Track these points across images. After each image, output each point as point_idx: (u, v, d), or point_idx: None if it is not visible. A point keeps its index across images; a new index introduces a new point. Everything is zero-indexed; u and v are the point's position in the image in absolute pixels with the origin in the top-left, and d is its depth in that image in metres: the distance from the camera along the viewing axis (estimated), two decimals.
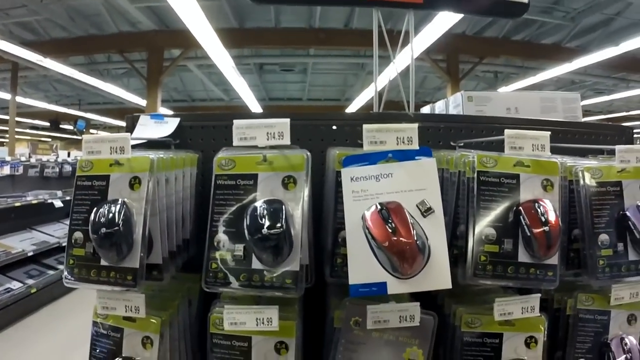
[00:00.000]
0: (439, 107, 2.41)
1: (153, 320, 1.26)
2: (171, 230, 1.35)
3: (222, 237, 1.17)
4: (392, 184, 1.16)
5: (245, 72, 14.66)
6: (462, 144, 1.60)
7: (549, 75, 12.06)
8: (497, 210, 1.24)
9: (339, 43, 12.36)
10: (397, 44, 1.96)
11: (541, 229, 1.18)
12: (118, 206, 1.18)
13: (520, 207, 1.23)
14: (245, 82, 13.76)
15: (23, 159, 8.43)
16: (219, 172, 1.23)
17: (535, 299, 1.28)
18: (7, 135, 16.73)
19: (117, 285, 1.18)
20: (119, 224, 1.15)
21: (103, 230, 1.15)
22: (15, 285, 6.58)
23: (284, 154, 1.22)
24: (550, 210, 1.21)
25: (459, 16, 7.31)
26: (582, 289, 1.42)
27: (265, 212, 1.12)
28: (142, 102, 15.56)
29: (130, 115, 1.73)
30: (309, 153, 1.22)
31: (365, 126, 1.18)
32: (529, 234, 1.19)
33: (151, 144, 1.53)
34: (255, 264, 1.14)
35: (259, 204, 1.15)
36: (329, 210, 1.30)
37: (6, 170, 7.60)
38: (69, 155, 10.60)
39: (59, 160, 9.61)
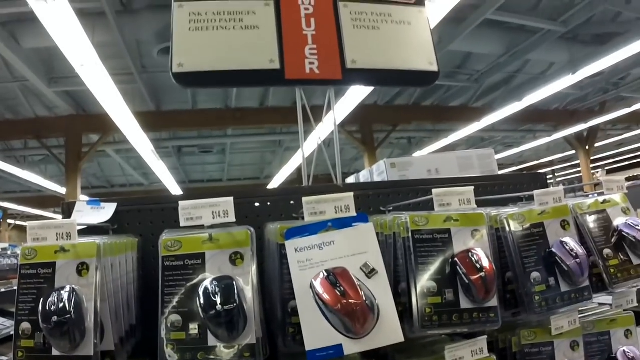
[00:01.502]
0: (364, 176, 2.52)
1: None
2: (119, 316, 1.34)
3: (175, 317, 1.18)
4: (335, 250, 1.23)
5: (164, 156, 14.62)
6: (391, 208, 1.70)
7: (460, 135, 12.74)
8: (435, 264, 1.32)
9: (256, 122, 12.58)
10: (319, 119, 2.07)
11: (478, 275, 1.28)
12: (68, 293, 1.16)
13: (456, 259, 1.32)
14: (165, 166, 13.74)
15: None
16: (166, 254, 1.24)
17: (482, 341, 1.35)
18: None
19: None
20: (71, 312, 1.13)
21: (55, 318, 1.12)
22: None
23: (229, 232, 1.26)
24: (483, 257, 1.31)
25: (370, 89, 7.65)
26: (522, 326, 1.53)
27: (217, 289, 1.15)
28: (61, 190, 15.12)
29: (65, 202, 1.73)
30: (252, 229, 1.27)
31: (304, 199, 1.25)
32: (467, 281, 1.28)
33: (88, 230, 1.53)
34: (212, 341, 1.15)
35: (209, 281, 1.18)
36: (275, 282, 1.34)
37: None
38: None
39: None
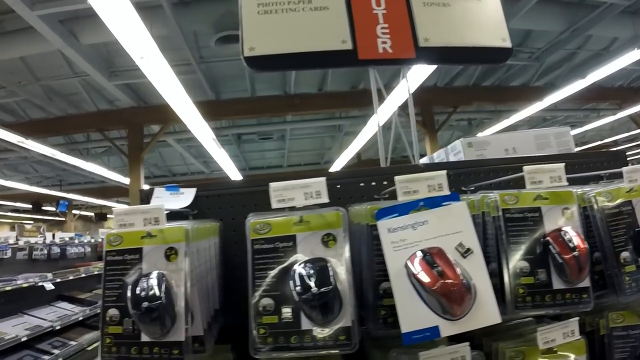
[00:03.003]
0: (439, 156, 2.48)
1: None
2: (206, 301, 1.34)
3: (266, 301, 1.17)
4: (429, 230, 1.19)
5: (225, 143, 14.75)
6: (472, 188, 1.65)
7: (521, 116, 12.31)
8: (526, 243, 1.29)
9: (314, 107, 12.51)
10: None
11: (571, 255, 1.24)
12: (157, 279, 1.16)
13: (548, 237, 1.29)
14: (226, 153, 13.83)
15: (11, 241, 8.34)
16: (255, 237, 1.23)
17: (574, 323, 1.32)
18: None
19: None
20: (162, 297, 1.12)
21: (145, 304, 1.12)
22: None
23: (320, 213, 1.24)
24: (575, 236, 1.27)
25: (431, 69, 7.52)
26: (610, 308, 1.47)
27: (311, 271, 1.14)
28: (124, 180, 15.54)
29: (144, 189, 1.76)
30: (343, 210, 1.24)
31: (397, 178, 1.23)
32: (560, 260, 1.25)
33: (168, 216, 1.54)
34: (305, 325, 1.14)
35: (303, 264, 1.17)
36: (365, 264, 1.32)
37: None
38: (53, 237, 10.52)
39: (47, 242, 9.54)
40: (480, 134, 13.50)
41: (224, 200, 1.73)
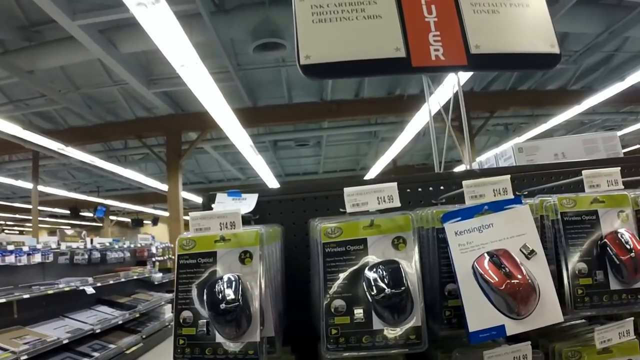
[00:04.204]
0: (488, 162, 2.52)
1: None
2: (276, 303, 1.39)
3: (338, 302, 1.21)
4: (495, 233, 1.25)
5: (261, 150, 14.89)
6: (526, 192, 1.68)
7: (559, 120, 12.15)
8: (584, 245, 1.32)
9: (351, 113, 12.65)
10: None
11: (628, 256, 1.27)
12: (234, 281, 1.20)
13: (605, 239, 1.32)
14: (263, 160, 14.00)
15: (53, 246, 8.54)
16: (327, 241, 1.28)
17: (629, 323, 1.34)
18: (31, 224, 17.00)
19: None
20: (239, 299, 1.16)
21: (223, 306, 1.16)
22: None
23: (390, 217, 1.29)
24: (631, 237, 1.31)
25: (468, 75, 7.50)
26: None
27: (384, 273, 1.19)
28: (161, 186, 15.79)
29: (206, 194, 1.82)
30: (412, 214, 1.29)
31: (465, 182, 1.28)
32: (617, 262, 1.28)
33: None
34: (376, 325, 1.19)
35: (376, 265, 1.22)
36: (432, 266, 1.36)
37: (37, 258, 7.72)
38: (91, 242, 10.73)
39: (88, 247, 9.74)
40: (517, 139, 13.38)
41: (285, 205, 1.78)
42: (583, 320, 1.55)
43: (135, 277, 10.80)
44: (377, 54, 1.96)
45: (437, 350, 1.36)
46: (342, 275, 1.24)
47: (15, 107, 11.62)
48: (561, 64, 10.49)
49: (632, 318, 1.36)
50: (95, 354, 7.67)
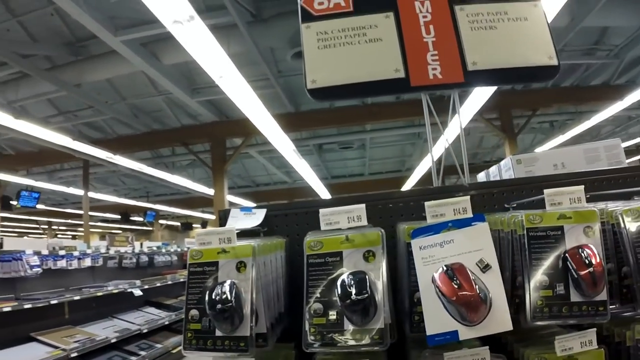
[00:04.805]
0: (493, 173, 2.61)
1: None
2: (271, 304, 1.58)
3: (317, 305, 1.40)
4: (454, 248, 1.39)
5: (306, 154, 15.05)
6: (514, 205, 1.79)
7: (604, 116, 11.81)
8: (547, 259, 1.42)
9: (393, 115, 12.69)
10: (446, 114, 2.19)
11: (587, 271, 1.35)
12: (229, 286, 1.41)
13: (567, 254, 1.41)
14: (307, 164, 14.16)
15: (102, 250, 8.90)
16: (310, 252, 1.47)
17: (592, 333, 1.43)
18: (82, 229, 17.60)
19: (231, 351, 1.40)
20: (232, 301, 1.37)
21: (219, 306, 1.37)
22: None
23: (362, 233, 1.46)
24: (593, 253, 1.38)
25: None
26: (638, 320, 1.53)
27: (352, 281, 1.36)
28: (208, 191, 16.12)
29: (222, 210, 2.01)
30: (383, 230, 1.47)
31: (426, 203, 1.44)
32: (576, 276, 1.36)
33: (243, 233, 1.79)
34: (347, 325, 1.36)
35: (346, 275, 1.39)
36: (404, 276, 1.53)
37: (87, 262, 8.06)
38: (141, 245, 11.09)
39: (136, 251, 10.10)
40: (561, 137, 13.15)
41: (290, 219, 1.97)
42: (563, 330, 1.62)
43: (181, 280, 10.98)
44: (378, 76, 2.08)
45: (414, 350, 1.51)
46: (321, 283, 1.42)
47: (65, 119, 12.16)
48: (602, 59, 10.31)
49: (594, 329, 1.44)
50: (142, 353, 7.96)
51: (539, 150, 11.16)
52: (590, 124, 12.27)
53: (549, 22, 2.24)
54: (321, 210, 1.49)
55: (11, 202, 17.01)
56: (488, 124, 12.94)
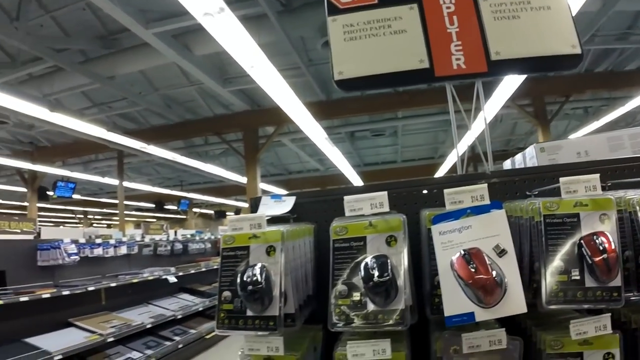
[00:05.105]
0: (518, 161, 2.63)
1: (290, 358, 1.56)
2: (299, 287, 1.67)
3: (342, 287, 1.48)
4: (472, 233, 1.45)
5: (338, 141, 15.10)
6: (536, 192, 1.83)
7: (638, 102, 11.67)
8: (563, 245, 1.46)
9: (424, 102, 12.57)
10: (473, 102, 2.22)
11: (600, 257, 1.39)
12: (259, 269, 1.50)
13: (582, 241, 1.44)
14: (339, 151, 14.23)
15: (138, 238, 9.11)
16: (335, 237, 1.55)
17: (606, 318, 1.45)
18: (117, 218, 17.96)
19: (261, 330, 1.49)
20: (262, 283, 1.46)
21: (250, 287, 1.46)
22: (135, 355, 7.10)
23: (385, 219, 1.54)
24: (607, 240, 1.42)
25: None
26: None
27: (375, 265, 1.44)
28: (241, 179, 16.28)
29: (253, 198, 2.10)
30: (404, 216, 1.54)
31: (445, 191, 1.51)
32: (590, 262, 1.40)
33: (274, 219, 1.88)
34: (370, 307, 1.44)
35: (369, 259, 1.47)
36: (425, 260, 1.61)
37: (123, 250, 8.30)
38: (175, 233, 11.29)
39: (170, 239, 10.30)
40: (595, 123, 12.91)
41: (319, 206, 2.05)
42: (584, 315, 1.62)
43: (215, 267, 11.15)
44: (403, 67, 2.14)
45: (436, 332, 1.57)
46: (346, 266, 1.50)
47: (100, 110, 12.41)
48: (636, 44, 10.07)
49: (609, 314, 1.45)
50: (177, 338, 8.18)
51: (572, 137, 10.96)
52: (625, 110, 12.01)
53: (580, 7, 2.23)
54: (345, 198, 1.58)
55: (48, 192, 17.45)
56: (521, 110, 12.79)
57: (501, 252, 1.42)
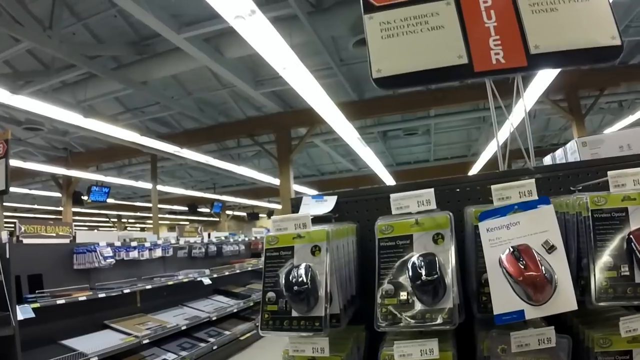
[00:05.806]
0: (559, 156, 2.59)
1: (335, 359, 1.56)
2: (343, 287, 1.66)
3: (388, 286, 1.47)
4: (520, 229, 1.43)
5: (370, 141, 15.04)
6: (580, 187, 1.78)
7: None
8: (612, 240, 1.43)
9: (457, 100, 12.47)
10: (511, 97, 2.19)
11: None
12: (305, 269, 1.49)
13: (631, 235, 1.41)
14: (371, 151, 14.17)
15: (172, 241, 9.19)
16: (381, 236, 1.55)
17: None
18: (151, 221, 18.20)
19: (306, 331, 1.48)
20: (308, 283, 1.46)
21: (296, 288, 1.46)
22: (170, 356, 7.14)
23: (432, 216, 1.53)
24: None
25: None
26: None
27: (422, 263, 1.43)
28: (274, 181, 16.33)
29: (294, 198, 2.12)
30: (451, 214, 1.53)
31: (493, 186, 1.49)
32: None
33: (315, 219, 1.85)
34: (417, 306, 1.43)
35: (416, 257, 1.46)
36: (471, 258, 1.60)
37: (158, 253, 8.35)
38: (209, 236, 11.37)
39: (205, 241, 10.38)
40: (630, 117, 12.62)
41: (360, 205, 2.06)
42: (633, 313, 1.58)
43: (249, 269, 11.37)
44: (441, 63, 2.11)
45: (482, 331, 1.55)
46: (392, 265, 1.50)
47: (133, 115, 12.59)
48: None
49: None
50: (211, 339, 8.22)
51: (607, 131, 10.72)
52: None
53: None
54: (392, 195, 1.57)
55: (82, 197, 17.78)
56: (554, 106, 12.56)
57: (550, 248, 1.39)
